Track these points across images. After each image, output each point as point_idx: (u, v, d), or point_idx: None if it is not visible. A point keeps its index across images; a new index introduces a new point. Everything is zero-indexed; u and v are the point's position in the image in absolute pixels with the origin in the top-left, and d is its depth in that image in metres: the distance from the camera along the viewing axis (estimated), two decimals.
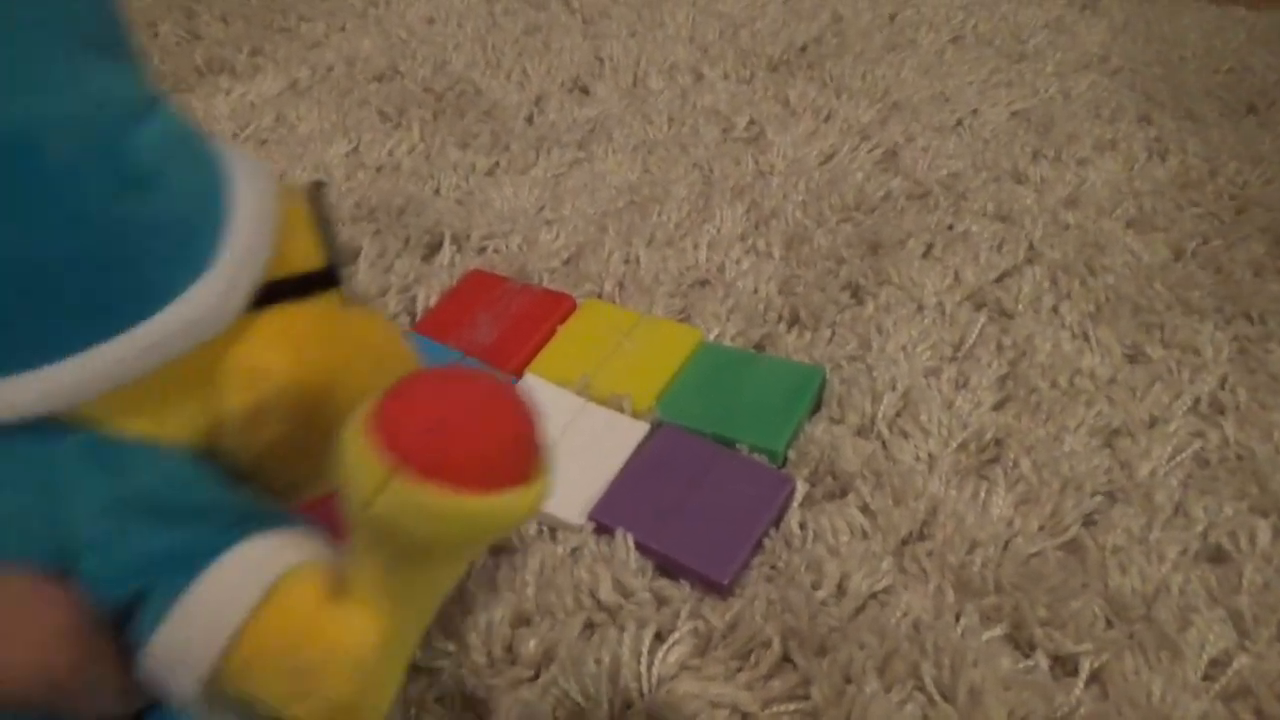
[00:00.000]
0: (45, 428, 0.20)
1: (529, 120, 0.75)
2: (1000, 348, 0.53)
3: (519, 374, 0.50)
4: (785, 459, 0.46)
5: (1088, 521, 0.43)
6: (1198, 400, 0.49)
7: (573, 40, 0.86)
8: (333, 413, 0.22)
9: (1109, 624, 0.39)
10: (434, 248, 0.61)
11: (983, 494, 0.44)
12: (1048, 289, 0.57)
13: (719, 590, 0.40)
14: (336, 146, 0.71)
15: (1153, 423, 0.48)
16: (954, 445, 0.46)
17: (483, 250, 0.61)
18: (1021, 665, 0.38)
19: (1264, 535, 0.42)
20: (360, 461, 0.19)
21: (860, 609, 0.40)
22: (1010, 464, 0.46)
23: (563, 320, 0.53)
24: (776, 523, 0.43)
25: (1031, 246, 0.60)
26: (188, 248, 0.21)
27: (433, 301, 0.56)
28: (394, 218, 0.63)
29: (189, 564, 0.20)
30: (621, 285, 0.57)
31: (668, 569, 0.41)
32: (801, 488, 0.44)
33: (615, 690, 0.36)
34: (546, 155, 0.70)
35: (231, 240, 0.21)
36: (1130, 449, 0.46)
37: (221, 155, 0.22)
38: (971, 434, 0.47)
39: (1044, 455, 0.46)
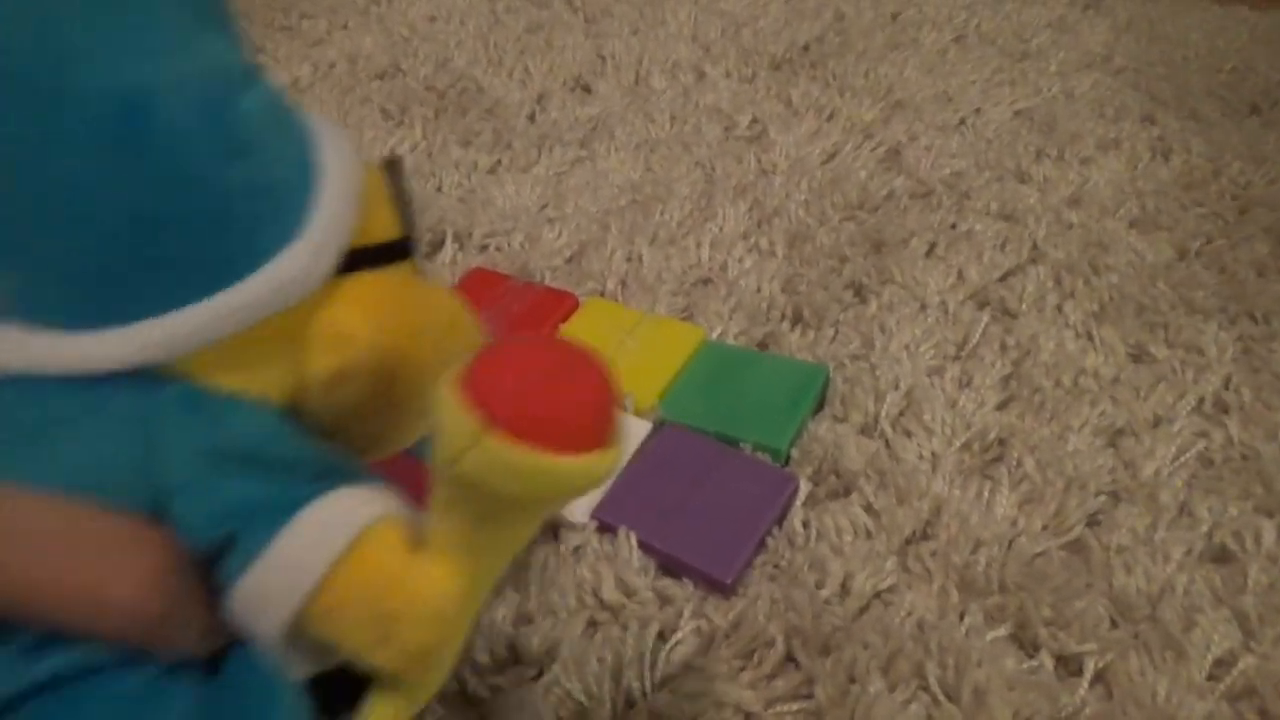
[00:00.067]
0: (145, 378, 0.21)
1: (531, 118, 0.75)
2: (1004, 347, 0.52)
3: None
4: (788, 458, 0.46)
5: (1092, 521, 0.43)
6: (1202, 400, 0.49)
7: (575, 38, 0.85)
8: (406, 377, 0.23)
9: (1113, 624, 0.39)
10: (436, 246, 0.61)
11: (986, 493, 0.44)
12: (1051, 288, 0.57)
13: (722, 589, 0.40)
14: None
15: (1157, 422, 0.48)
16: (957, 445, 0.46)
17: (485, 248, 0.61)
18: (1026, 665, 0.37)
19: (1269, 535, 0.42)
20: (452, 419, 0.20)
21: (864, 608, 0.39)
22: (1014, 463, 0.45)
23: (565, 319, 0.53)
24: (780, 522, 0.43)
25: (1035, 246, 0.60)
26: (281, 214, 0.22)
27: None
28: None
29: (278, 512, 0.21)
30: (624, 284, 0.57)
31: (670, 568, 0.41)
32: (805, 487, 0.44)
33: (618, 689, 0.36)
34: (549, 153, 0.70)
35: (320, 208, 0.22)
36: (1134, 449, 0.46)
37: (311, 127, 0.23)
38: (975, 433, 0.47)
39: (1048, 455, 0.46)
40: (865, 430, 0.48)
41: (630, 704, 0.36)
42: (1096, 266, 0.58)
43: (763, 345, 0.53)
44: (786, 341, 0.53)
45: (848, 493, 0.44)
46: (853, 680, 0.36)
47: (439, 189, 0.66)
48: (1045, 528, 0.43)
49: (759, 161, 0.69)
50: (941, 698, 0.36)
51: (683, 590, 0.40)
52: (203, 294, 0.21)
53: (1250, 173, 0.67)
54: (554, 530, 0.42)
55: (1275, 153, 0.69)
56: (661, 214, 0.63)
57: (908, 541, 0.42)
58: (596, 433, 0.21)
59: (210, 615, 0.22)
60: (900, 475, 0.44)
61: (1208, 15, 0.91)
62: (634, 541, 0.41)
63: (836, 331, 0.54)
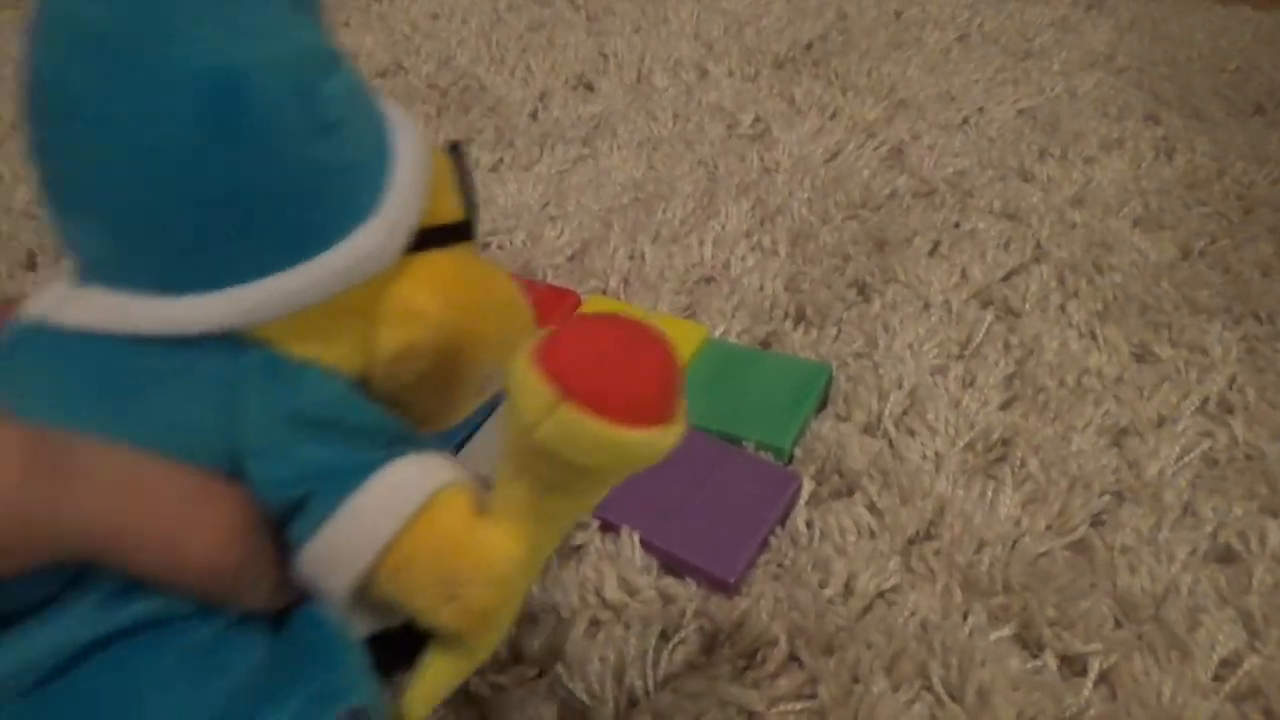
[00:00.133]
0: (228, 343, 0.22)
1: (533, 116, 0.75)
2: (1007, 346, 0.52)
3: None
4: (791, 457, 0.46)
5: (1096, 521, 0.43)
6: (1206, 400, 0.49)
7: (577, 36, 0.85)
8: (466, 354, 0.25)
9: (1118, 624, 0.39)
10: None
11: (990, 493, 0.44)
12: (1055, 288, 0.57)
13: (725, 589, 0.39)
14: None
15: (1161, 422, 0.48)
16: (961, 444, 0.46)
17: (487, 246, 0.61)
18: (1030, 665, 0.37)
19: (1274, 536, 0.42)
20: (528, 389, 0.21)
21: (867, 608, 0.39)
22: (1018, 463, 0.45)
23: (567, 316, 0.53)
24: (783, 521, 0.42)
25: (1039, 245, 0.60)
26: (360, 192, 0.23)
27: None
28: None
29: (351, 475, 0.22)
30: (626, 282, 0.57)
31: (673, 567, 0.41)
32: (808, 486, 0.44)
33: (620, 689, 0.36)
34: (551, 151, 0.70)
35: (394, 188, 0.23)
36: (1138, 448, 0.46)
37: (384, 112, 0.24)
38: (979, 433, 0.47)
39: (1052, 454, 0.45)
40: (868, 429, 0.47)
41: (633, 703, 0.36)
42: (1100, 266, 0.58)
43: (765, 344, 0.53)
44: (789, 340, 0.53)
45: (851, 492, 0.44)
46: (856, 680, 0.36)
47: None
48: (1049, 528, 0.42)
49: (762, 160, 0.68)
50: (945, 698, 0.36)
51: (685, 590, 0.40)
52: (287, 264, 0.22)
53: (1254, 172, 0.66)
54: None
55: (1279, 152, 0.69)
56: (664, 212, 0.63)
57: (911, 541, 0.42)
58: (662, 407, 0.22)
59: (278, 573, 0.23)
60: (904, 475, 0.44)
61: (1211, 15, 0.90)
62: (636, 540, 0.41)
63: (839, 330, 0.53)
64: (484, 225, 0.62)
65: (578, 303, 0.54)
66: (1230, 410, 0.49)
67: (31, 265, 0.59)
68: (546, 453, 0.21)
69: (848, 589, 0.40)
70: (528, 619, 0.38)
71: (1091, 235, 0.61)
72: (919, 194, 0.65)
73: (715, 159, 0.68)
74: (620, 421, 0.21)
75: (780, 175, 0.67)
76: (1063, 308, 0.55)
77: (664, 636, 0.38)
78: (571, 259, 0.59)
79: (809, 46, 0.84)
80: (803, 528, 0.42)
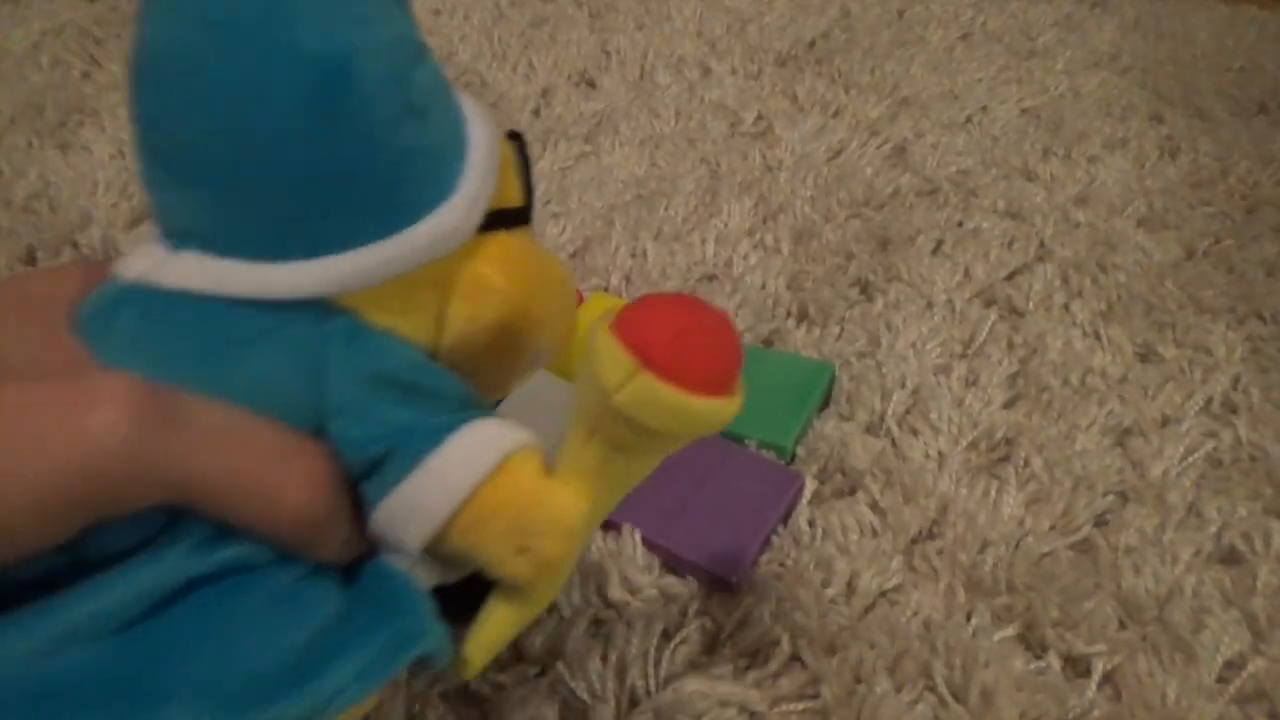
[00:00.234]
0: (317, 309, 0.23)
1: (535, 113, 0.75)
2: (1011, 345, 0.52)
3: None
4: (794, 456, 0.46)
5: (1100, 521, 0.43)
6: (1210, 400, 0.49)
7: (579, 33, 0.85)
8: (524, 330, 0.26)
9: (1122, 625, 0.38)
10: None
11: (993, 493, 0.43)
12: (1059, 287, 0.56)
13: (727, 588, 0.39)
14: None
15: (1165, 422, 0.48)
16: (964, 443, 0.46)
17: None
18: (1033, 666, 0.37)
19: (1278, 537, 0.41)
20: (611, 357, 0.23)
21: (870, 608, 0.39)
22: (1021, 463, 0.45)
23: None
24: (785, 520, 0.42)
25: (1042, 244, 0.60)
26: (442, 173, 0.24)
27: None
28: None
29: (429, 435, 0.24)
30: (628, 279, 0.57)
31: (675, 566, 0.40)
32: (810, 485, 0.44)
33: (621, 688, 0.36)
34: (553, 148, 0.69)
35: (470, 171, 0.25)
36: (1142, 449, 0.46)
37: (460, 99, 0.26)
38: (982, 432, 0.46)
39: (1055, 454, 0.45)
40: (871, 428, 0.47)
41: (634, 702, 0.35)
42: (1104, 265, 0.58)
43: (768, 342, 0.53)
44: (792, 338, 0.53)
45: (853, 491, 0.44)
46: (859, 680, 0.36)
47: None
48: (1053, 527, 0.42)
49: (764, 158, 0.68)
50: (949, 698, 0.35)
51: (687, 588, 0.39)
52: (376, 237, 0.23)
53: (1258, 172, 0.66)
54: None
55: None
56: (666, 209, 0.62)
57: (914, 541, 0.42)
58: (728, 380, 0.24)
59: (352, 529, 0.24)
60: (907, 474, 0.44)
61: (1216, 14, 0.90)
62: (638, 539, 0.40)
63: (842, 329, 0.53)
64: None
65: (579, 300, 0.54)
66: (1234, 411, 0.49)
67: (31, 260, 0.59)
68: (623, 417, 0.23)
69: (850, 588, 0.40)
70: None
71: (1095, 235, 0.61)
72: (922, 193, 0.65)
73: (718, 157, 0.68)
74: (692, 391, 0.23)
75: (783, 173, 0.66)
76: (1066, 307, 0.55)
77: (666, 636, 0.37)
78: (573, 256, 0.59)
79: (812, 44, 0.84)
80: (805, 527, 0.42)
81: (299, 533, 0.23)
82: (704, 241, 0.60)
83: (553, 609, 0.38)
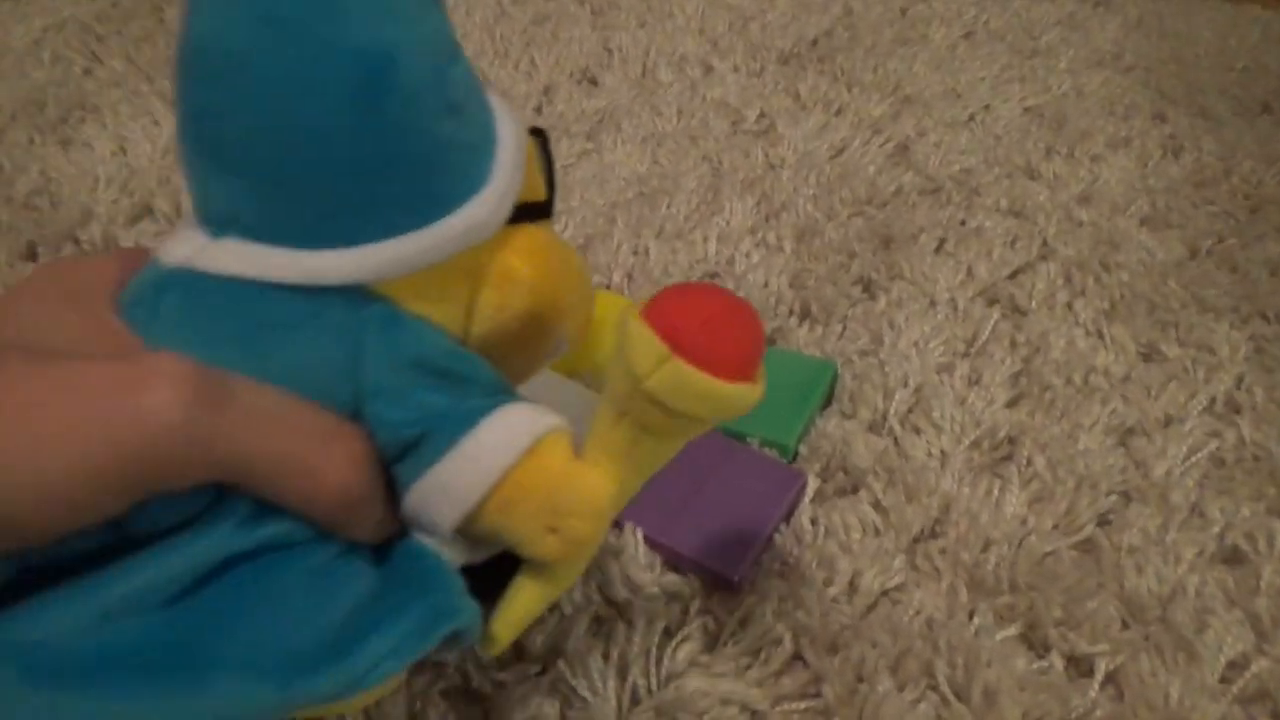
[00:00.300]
0: (355, 295, 0.24)
1: (537, 110, 0.75)
2: (1014, 344, 0.52)
3: None
4: (796, 454, 0.45)
5: (1103, 521, 0.43)
6: (1213, 400, 0.49)
7: (581, 30, 0.85)
8: (547, 319, 0.27)
9: (1125, 625, 0.38)
10: None
11: (996, 492, 0.43)
12: (1061, 286, 0.56)
13: (729, 586, 0.39)
14: None
15: (1168, 422, 0.48)
16: (967, 442, 0.46)
17: None
18: (1036, 665, 0.37)
19: None
20: (643, 343, 0.24)
21: (872, 607, 0.39)
22: (1024, 462, 0.45)
23: None
24: (787, 519, 0.42)
25: (1045, 243, 0.60)
26: (475, 166, 0.25)
27: None
28: None
29: (463, 419, 0.25)
30: (630, 277, 0.57)
31: (677, 565, 0.40)
32: (813, 483, 0.44)
33: (623, 686, 0.36)
34: (555, 146, 0.69)
35: (500, 166, 0.26)
36: (1146, 448, 0.46)
37: (489, 96, 0.27)
38: (985, 431, 0.46)
39: (1058, 453, 0.45)
40: (874, 427, 0.47)
41: (635, 701, 0.35)
42: (1107, 264, 0.58)
43: (770, 340, 0.53)
44: (794, 337, 0.53)
45: (856, 490, 0.44)
46: (861, 679, 0.36)
47: None
48: (1055, 527, 0.42)
49: (766, 156, 0.68)
50: (951, 697, 0.35)
51: (689, 587, 0.39)
52: (413, 227, 0.24)
53: (1262, 172, 0.66)
54: None
55: None
56: (668, 207, 0.62)
57: (916, 539, 0.42)
58: (752, 366, 0.25)
59: (385, 508, 0.25)
60: (909, 472, 0.44)
61: (1219, 13, 0.90)
62: (640, 537, 0.40)
63: (845, 327, 0.53)
64: None
65: None
66: (1238, 410, 0.48)
67: (32, 256, 0.58)
68: (654, 401, 0.24)
69: (852, 587, 0.39)
70: None
71: (1098, 234, 0.60)
72: (925, 191, 0.65)
73: (720, 155, 0.68)
74: (719, 376, 0.24)
75: (785, 171, 0.66)
76: (1069, 306, 0.55)
77: (667, 634, 0.37)
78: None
79: (814, 42, 0.84)
80: (807, 525, 0.42)
81: (337, 512, 0.24)
82: (706, 239, 0.59)
83: (554, 607, 0.38)
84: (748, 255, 0.58)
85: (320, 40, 0.22)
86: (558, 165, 0.67)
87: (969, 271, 0.57)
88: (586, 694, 0.35)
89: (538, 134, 0.29)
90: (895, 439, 0.46)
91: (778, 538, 0.41)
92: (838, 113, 0.73)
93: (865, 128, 0.71)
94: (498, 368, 0.27)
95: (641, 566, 0.40)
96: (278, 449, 0.22)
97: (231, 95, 0.22)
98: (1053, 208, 0.63)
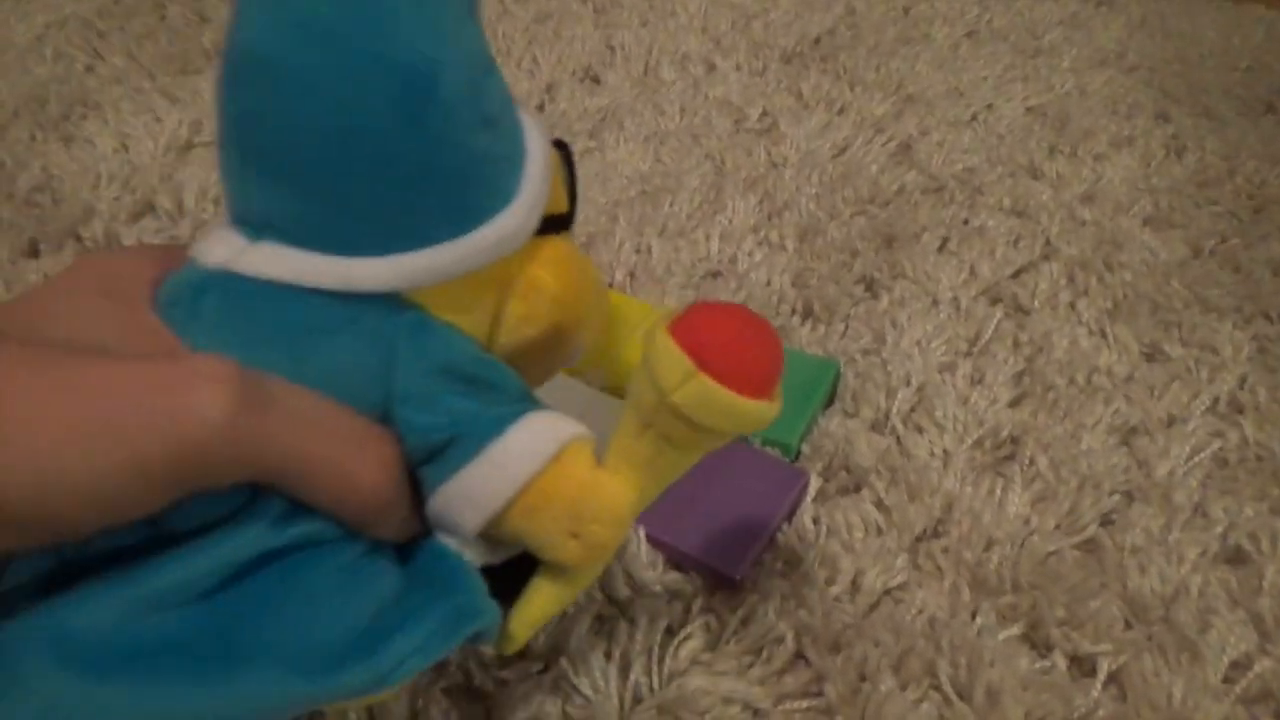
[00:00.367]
0: (389, 302, 0.25)
1: (540, 108, 0.74)
2: (1017, 344, 0.52)
3: None
4: (799, 453, 0.45)
5: (1105, 521, 0.43)
6: (1217, 400, 0.49)
7: (584, 29, 0.85)
8: (567, 328, 0.28)
9: (1128, 625, 0.38)
10: None
11: (999, 491, 0.43)
12: (1064, 285, 0.56)
13: (731, 585, 0.39)
14: None
15: (1171, 422, 0.48)
16: (969, 442, 0.46)
17: None
18: (1039, 665, 0.37)
19: None
20: (670, 358, 0.25)
21: (874, 606, 0.39)
22: (1027, 461, 0.45)
23: None
24: (790, 518, 0.42)
25: (1048, 243, 0.60)
26: (506, 179, 0.26)
27: None
28: None
29: (491, 424, 0.25)
30: (633, 275, 0.57)
31: (679, 563, 0.40)
32: (815, 482, 0.44)
33: (625, 685, 0.35)
34: None
35: (529, 179, 0.26)
36: (1149, 448, 0.46)
37: (519, 110, 0.28)
38: (987, 430, 0.46)
39: (1061, 453, 0.45)
40: (876, 426, 0.47)
41: (637, 699, 0.35)
42: (1110, 264, 0.58)
43: None
44: (797, 336, 0.52)
45: (858, 489, 0.44)
46: (863, 678, 0.36)
47: None
48: (1058, 526, 0.42)
49: (769, 154, 0.68)
50: (953, 696, 0.35)
51: (691, 585, 0.39)
52: (447, 237, 0.25)
53: (1265, 171, 0.66)
54: None
55: None
56: (671, 206, 0.62)
57: (919, 539, 0.42)
58: (772, 384, 0.26)
59: (410, 509, 0.26)
60: (911, 472, 0.44)
61: (1222, 13, 0.90)
62: (642, 536, 0.40)
63: (847, 326, 0.53)
64: None
65: None
66: (1241, 410, 0.48)
67: (34, 252, 0.58)
68: (678, 415, 0.25)
69: (855, 586, 0.39)
70: None
71: (1101, 233, 0.60)
72: (928, 190, 0.65)
73: (722, 153, 0.68)
74: (742, 392, 0.25)
75: (788, 170, 0.66)
76: (1072, 305, 0.55)
77: (670, 632, 0.37)
78: None
79: (817, 41, 0.84)
80: (809, 524, 0.42)
81: (367, 513, 0.24)
82: (709, 238, 0.59)
83: None
84: (750, 254, 0.58)
85: (367, 54, 0.22)
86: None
87: (972, 271, 0.57)
88: (588, 692, 0.35)
89: (561, 146, 0.29)
90: (898, 438, 0.46)
91: (780, 537, 0.41)
92: (840, 111, 0.73)
93: (868, 127, 0.71)
94: (524, 377, 0.28)
95: (644, 565, 0.40)
96: (315, 452, 0.23)
97: (277, 103, 0.23)
98: (1056, 207, 0.62)
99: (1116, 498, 0.43)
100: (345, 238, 0.24)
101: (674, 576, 0.40)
